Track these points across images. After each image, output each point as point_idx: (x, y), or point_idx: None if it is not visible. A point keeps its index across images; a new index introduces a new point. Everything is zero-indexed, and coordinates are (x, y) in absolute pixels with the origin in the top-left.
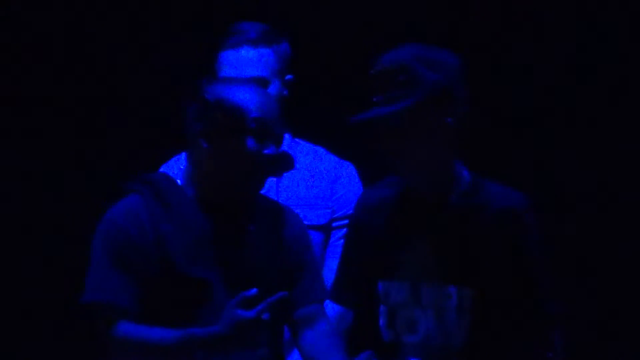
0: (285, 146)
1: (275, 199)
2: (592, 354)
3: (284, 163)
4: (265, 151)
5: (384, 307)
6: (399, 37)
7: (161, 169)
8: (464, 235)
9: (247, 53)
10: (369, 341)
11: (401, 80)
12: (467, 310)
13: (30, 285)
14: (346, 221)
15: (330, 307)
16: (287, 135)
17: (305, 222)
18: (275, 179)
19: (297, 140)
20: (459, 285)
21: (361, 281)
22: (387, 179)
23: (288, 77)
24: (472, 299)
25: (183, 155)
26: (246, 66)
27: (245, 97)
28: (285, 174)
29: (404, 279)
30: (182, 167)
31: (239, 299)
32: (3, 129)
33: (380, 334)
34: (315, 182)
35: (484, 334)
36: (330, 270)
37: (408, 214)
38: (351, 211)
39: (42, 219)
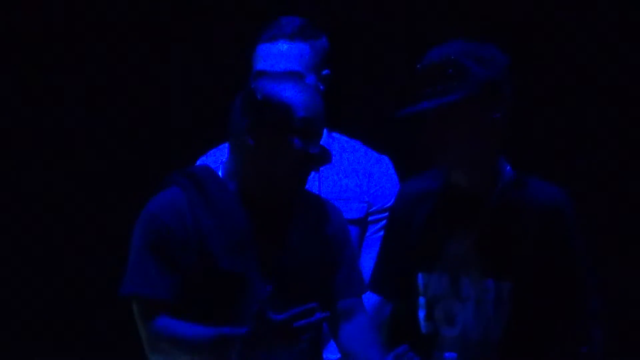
0: (322, 140)
1: (316, 192)
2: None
3: (323, 158)
4: (311, 150)
5: (423, 299)
6: (435, 32)
7: (199, 161)
8: (505, 230)
9: (283, 47)
10: (407, 333)
11: (450, 74)
12: (505, 304)
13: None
14: (382, 215)
15: (369, 298)
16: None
17: None
18: (315, 173)
19: (333, 134)
20: (499, 279)
21: (400, 272)
22: (429, 171)
23: (325, 72)
24: (510, 293)
25: (221, 147)
26: (281, 60)
27: (293, 95)
28: (322, 168)
29: (443, 271)
30: (220, 160)
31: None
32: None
33: (418, 326)
34: (352, 176)
35: (521, 328)
36: (366, 263)
37: (450, 207)
38: (387, 205)
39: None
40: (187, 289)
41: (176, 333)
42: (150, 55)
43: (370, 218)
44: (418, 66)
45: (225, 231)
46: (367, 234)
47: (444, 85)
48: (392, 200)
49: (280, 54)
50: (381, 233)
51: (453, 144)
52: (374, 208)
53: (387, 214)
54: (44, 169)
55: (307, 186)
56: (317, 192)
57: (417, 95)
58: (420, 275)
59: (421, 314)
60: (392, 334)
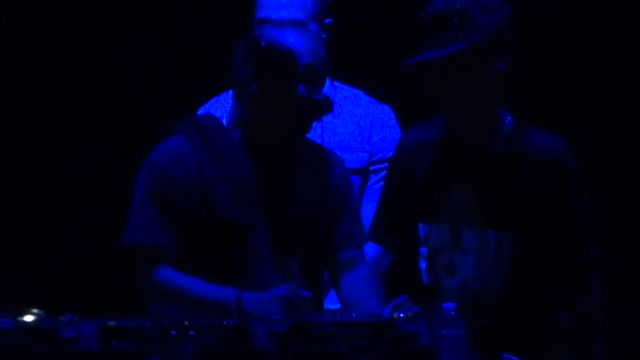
0: (324, 89)
1: (319, 142)
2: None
3: (325, 107)
4: (314, 96)
5: (424, 249)
6: None
7: (200, 110)
8: (506, 180)
9: None
10: (408, 284)
11: (455, 23)
12: (505, 256)
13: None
14: (384, 164)
15: (369, 248)
16: None
17: None
18: (318, 123)
19: (335, 83)
20: (499, 230)
21: (401, 222)
22: (430, 121)
23: (327, 20)
24: (511, 244)
25: (222, 95)
26: (284, 8)
27: (297, 41)
28: (324, 117)
29: (444, 221)
30: (222, 108)
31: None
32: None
33: (419, 277)
34: (354, 126)
35: (521, 280)
36: (367, 213)
37: (450, 156)
38: (389, 154)
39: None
40: (190, 238)
41: (181, 286)
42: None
43: (371, 168)
44: (422, 15)
45: (229, 180)
46: (369, 183)
47: (449, 35)
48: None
49: (282, 2)
50: (382, 183)
51: (456, 93)
52: (375, 157)
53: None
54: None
55: (309, 135)
56: (320, 141)
57: (421, 44)
58: (421, 225)
59: (422, 265)
60: (392, 285)
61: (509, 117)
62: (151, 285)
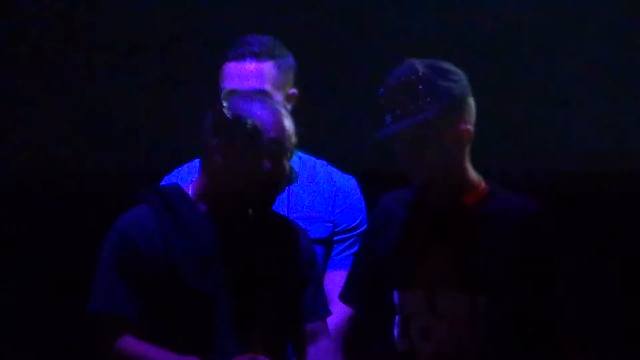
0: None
1: (285, 213)
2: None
3: (289, 179)
4: (279, 170)
5: (398, 316)
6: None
7: (165, 180)
8: (480, 243)
9: (250, 66)
10: (380, 351)
11: (421, 90)
12: (481, 319)
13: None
14: (348, 234)
15: (339, 310)
16: None
17: None
18: (285, 193)
19: (299, 153)
20: (474, 294)
21: (374, 286)
22: (406, 187)
23: (292, 91)
24: (486, 307)
25: (186, 166)
26: (248, 78)
27: (263, 115)
28: (288, 188)
29: (419, 287)
30: (186, 178)
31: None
32: None
33: (392, 345)
34: (318, 196)
35: (498, 344)
36: (331, 282)
37: (424, 221)
38: (353, 224)
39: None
40: (154, 306)
41: (140, 356)
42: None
43: (335, 238)
44: (383, 89)
45: (194, 251)
46: (332, 253)
47: (417, 103)
48: (358, 220)
49: (247, 73)
50: (347, 253)
51: (427, 158)
52: (339, 228)
53: (352, 233)
54: None
55: (276, 206)
56: (284, 211)
57: (387, 116)
58: (396, 292)
59: (396, 332)
60: (363, 353)
61: (482, 180)
62: (113, 354)
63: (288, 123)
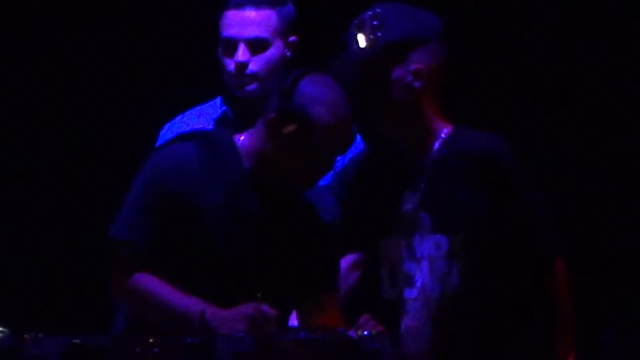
0: None
1: None
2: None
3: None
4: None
5: (386, 265)
6: None
7: (165, 127)
8: (447, 183)
9: (250, 13)
10: (369, 300)
11: (374, 26)
12: (458, 257)
13: None
14: None
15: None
16: None
17: None
18: None
19: None
20: (448, 233)
21: (363, 239)
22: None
23: (291, 39)
24: (462, 245)
25: (187, 113)
26: (248, 26)
27: (326, 112)
28: None
29: (399, 234)
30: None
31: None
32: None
33: (380, 293)
34: None
35: (478, 279)
36: None
37: (394, 169)
38: None
39: None
40: (172, 243)
41: (149, 289)
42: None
43: None
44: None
45: (228, 206)
46: None
47: (368, 40)
48: None
49: (247, 21)
50: None
51: (380, 102)
52: None
53: None
54: None
55: None
56: None
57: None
58: (381, 243)
59: (384, 282)
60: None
61: (446, 124)
62: (123, 283)
63: (352, 117)
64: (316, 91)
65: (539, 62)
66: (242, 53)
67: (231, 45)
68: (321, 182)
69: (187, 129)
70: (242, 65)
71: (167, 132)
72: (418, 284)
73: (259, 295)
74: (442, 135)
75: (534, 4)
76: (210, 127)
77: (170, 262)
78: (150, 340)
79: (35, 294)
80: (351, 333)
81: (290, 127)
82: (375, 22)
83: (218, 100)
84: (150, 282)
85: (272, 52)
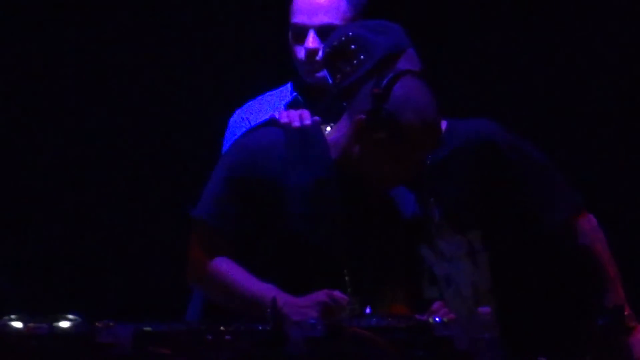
0: None
1: None
2: None
3: None
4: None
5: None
6: None
7: (236, 113)
8: (453, 182)
9: (319, 0)
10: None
11: (353, 50)
12: (479, 252)
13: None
14: None
15: None
16: None
17: None
18: None
19: None
20: (465, 231)
21: None
22: None
23: None
24: (481, 239)
25: (258, 99)
26: (318, 12)
27: (416, 119)
28: None
29: (426, 239)
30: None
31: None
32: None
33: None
34: None
35: (509, 269)
36: None
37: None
38: None
39: None
40: (251, 229)
41: (223, 273)
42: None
43: None
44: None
45: (311, 196)
46: None
47: (351, 64)
48: None
49: (317, 7)
50: None
51: None
52: None
53: None
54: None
55: None
56: None
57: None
58: (420, 247)
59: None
60: None
61: (443, 122)
62: (202, 266)
63: (438, 113)
64: (408, 96)
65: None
66: (312, 40)
67: (301, 32)
68: None
69: (258, 115)
70: (312, 52)
71: (238, 118)
72: (452, 283)
73: (346, 278)
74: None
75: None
76: (278, 113)
77: (253, 247)
78: (222, 328)
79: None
80: (423, 319)
81: (381, 133)
82: (353, 46)
83: (289, 85)
84: (227, 267)
85: None
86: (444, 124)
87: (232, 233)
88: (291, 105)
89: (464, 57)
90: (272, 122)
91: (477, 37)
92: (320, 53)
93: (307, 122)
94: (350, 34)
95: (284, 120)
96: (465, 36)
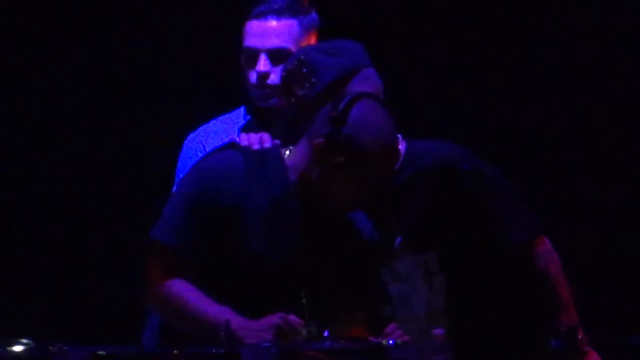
0: None
1: None
2: None
3: None
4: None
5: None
6: None
7: (190, 137)
8: (414, 204)
9: (271, 23)
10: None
11: (305, 74)
12: (435, 273)
13: None
14: None
15: None
16: None
17: None
18: None
19: None
20: (422, 252)
21: None
22: None
23: None
24: (438, 261)
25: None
26: (269, 36)
27: (375, 142)
28: None
29: (384, 261)
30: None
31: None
32: None
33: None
34: None
35: (463, 292)
36: None
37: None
38: None
39: None
40: (210, 253)
41: (179, 296)
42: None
43: None
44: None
45: (271, 218)
46: None
47: (304, 87)
48: None
49: (268, 31)
50: None
51: None
52: None
53: None
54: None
55: None
56: None
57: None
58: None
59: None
60: None
61: (402, 143)
62: (159, 288)
63: (396, 136)
64: (366, 119)
65: None
66: (263, 63)
67: (252, 56)
68: None
69: (213, 138)
70: (263, 76)
71: (193, 141)
72: (406, 304)
73: (303, 300)
74: (400, 157)
75: None
76: (236, 136)
77: (210, 270)
78: (175, 352)
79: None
80: (377, 342)
81: (339, 157)
82: (304, 70)
83: (242, 109)
84: (184, 289)
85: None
86: (403, 145)
87: (190, 255)
88: (245, 128)
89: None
90: (231, 145)
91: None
92: (271, 76)
93: (267, 145)
94: (302, 57)
95: (244, 143)
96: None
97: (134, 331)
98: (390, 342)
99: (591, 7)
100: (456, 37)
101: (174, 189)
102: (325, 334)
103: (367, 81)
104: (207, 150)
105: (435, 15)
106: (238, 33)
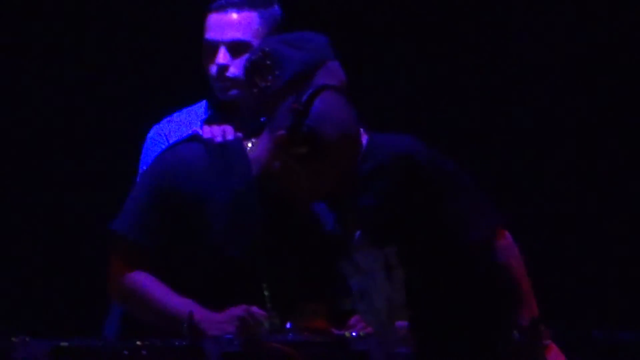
0: None
1: None
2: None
3: None
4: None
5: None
6: None
7: (154, 129)
8: (373, 197)
9: (231, 16)
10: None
11: (268, 66)
12: (397, 268)
13: None
14: None
15: None
16: None
17: None
18: None
19: None
20: (381, 246)
21: None
22: None
23: None
24: (397, 255)
25: (175, 115)
26: (229, 28)
27: (336, 134)
28: None
29: (345, 254)
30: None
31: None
32: None
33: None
34: None
35: (422, 285)
36: None
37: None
38: None
39: None
40: (172, 242)
41: (143, 288)
42: None
43: None
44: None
45: (232, 211)
46: None
47: (266, 80)
48: None
49: (228, 23)
50: None
51: None
52: None
53: None
54: None
55: None
56: None
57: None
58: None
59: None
60: None
61: (365, 136)
62: (121, 280)
63: (358, 128)
64: (328, 112)
65: None
66: (222, 56)
67: (212, 48)
68: None
69: (176, 131)
70: (222, 68)
71: (156, 133)
72: (367, 298)
73: (266, 293)
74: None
75: None
76: (199, 128)
77: (172, 262)
78: (138, 343)
79: (26, 296)
80: (339, 334)
81: (301, 149)
82: (268, 62)
83: (204, 102)
84: (146, 281)
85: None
86: (365, 139)
87: (152, 247)
88: (208, 121)
89: (389, 69)
90: (194, 137)
91: (406, 49)
92: (230, 69)
93: (230, 137)
94: (267, 49)
95: (207, 135)
96: (390, 48)
97: (95, 322)
98: (353, 334)
99: (583, 6)
100: (437, 31)
101: (137, 180)
102: (288, 325)
103: (331, 74)
104: (170, 142)
105: (414, 10)
106: (201, 25)
